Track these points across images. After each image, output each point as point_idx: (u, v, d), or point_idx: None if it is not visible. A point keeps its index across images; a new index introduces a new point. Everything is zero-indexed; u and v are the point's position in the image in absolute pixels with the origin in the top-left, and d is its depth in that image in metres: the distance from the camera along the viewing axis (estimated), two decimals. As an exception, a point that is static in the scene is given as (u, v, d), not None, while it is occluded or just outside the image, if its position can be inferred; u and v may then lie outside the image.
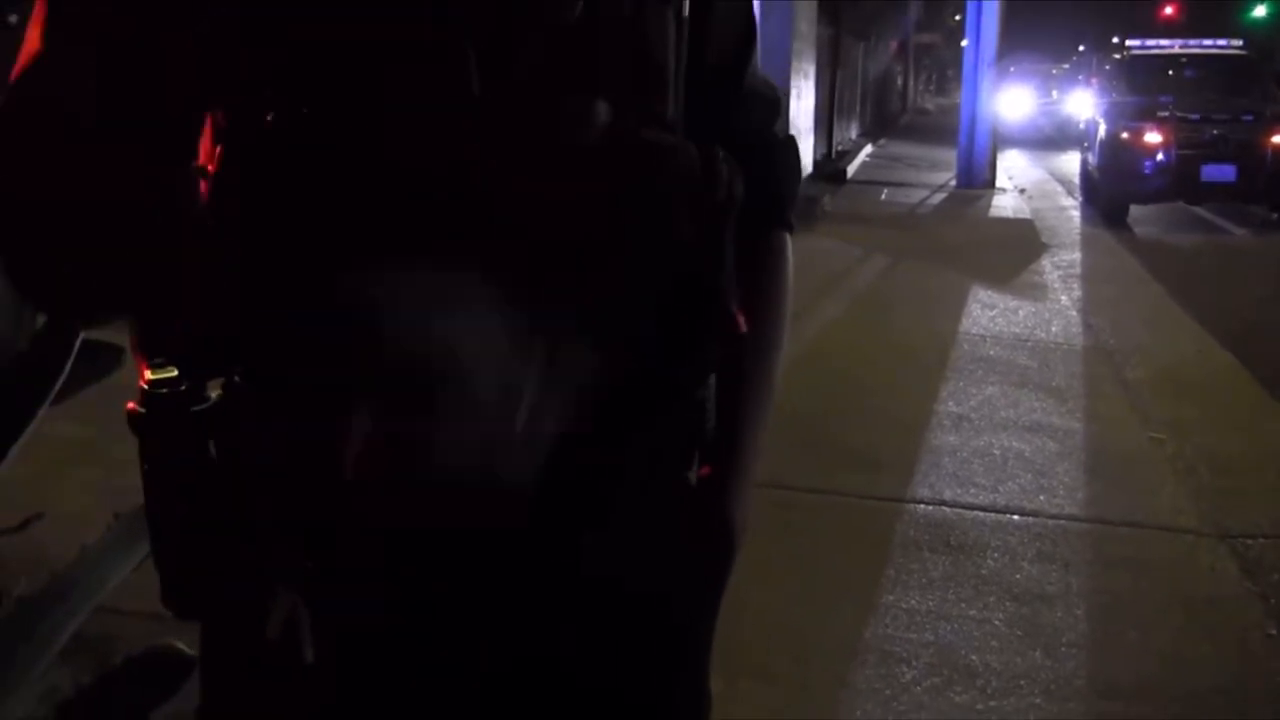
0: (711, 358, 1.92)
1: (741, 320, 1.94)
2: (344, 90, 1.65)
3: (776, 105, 2.09)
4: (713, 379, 1.96)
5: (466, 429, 1.68)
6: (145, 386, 1.70)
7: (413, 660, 1.79)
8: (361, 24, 1.64)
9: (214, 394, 1.74)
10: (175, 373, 1.71)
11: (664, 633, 1.92)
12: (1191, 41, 26.95)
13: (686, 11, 1.82)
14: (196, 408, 1.71)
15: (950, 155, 28.51)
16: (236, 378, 1.74)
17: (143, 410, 1.71)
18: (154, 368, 1.72)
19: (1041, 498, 7.35)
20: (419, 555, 1.75)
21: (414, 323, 1.64)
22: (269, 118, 1.66)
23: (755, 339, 2.02)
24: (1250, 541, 6.73)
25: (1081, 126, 28.15)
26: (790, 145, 2.13)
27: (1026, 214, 22.43)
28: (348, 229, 1.65)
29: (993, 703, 4.98)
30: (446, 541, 1.75)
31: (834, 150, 30.60)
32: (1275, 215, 21.29)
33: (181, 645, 2.93)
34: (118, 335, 1.80)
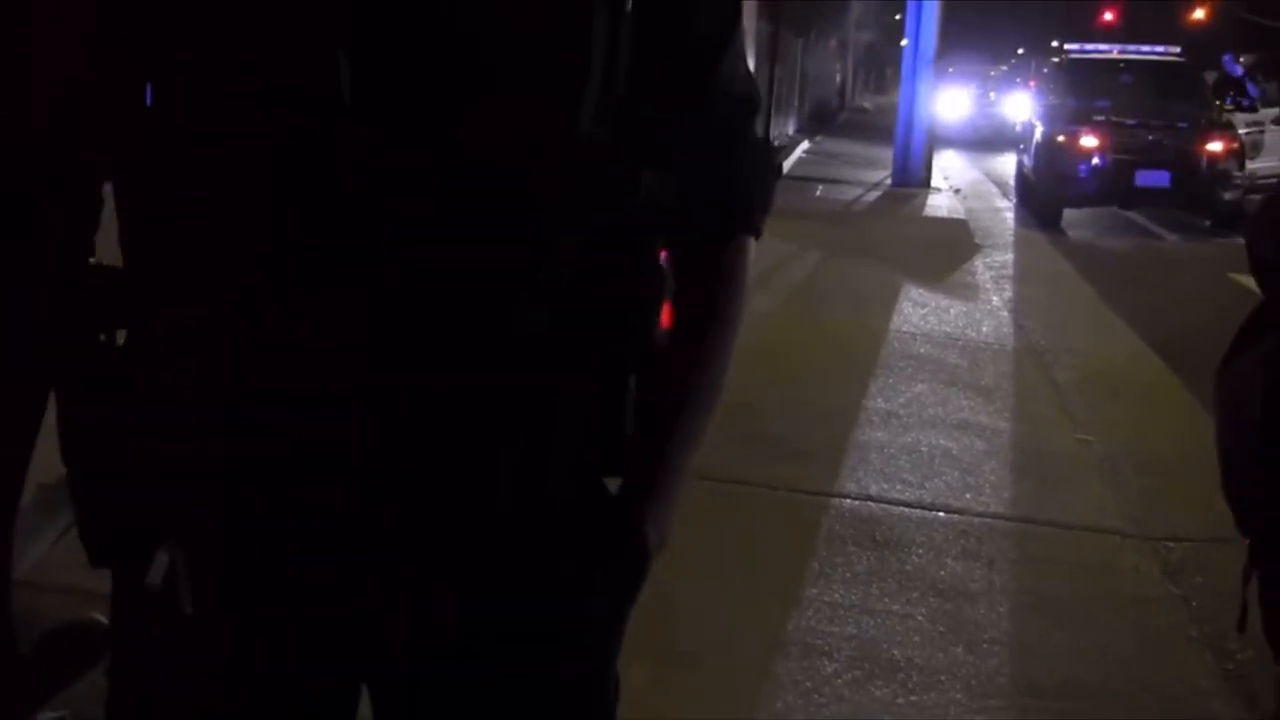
0: (617, 357, 1.88)
1: (660, 327, 1.90)
2: (210, 97, 1.66)
3: (752, 104, 2.00)
4: (631, 383, 1.92)
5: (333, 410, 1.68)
6: None
7: (295, 630, 1.78)
8: (229, 26, 1.65)
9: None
10: None
11: (563, 637, 1.88)
12: (1129, 47, 27.10)
13: (629, 7, 1.78)
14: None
15: (887, 154, 28.61)
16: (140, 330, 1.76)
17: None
18: None
19: (968, 495, 7.37)
20: (289, 532, 1.74)
21: (285, 315, 1.65)
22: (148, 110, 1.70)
23: (697, 345, 1.97)
24: (1174, 544, 6.76)
25: (1018, 129, 28.28)
26: (761, 147, 2.03)
27: (961, 214, 22.53)
28: (214, 243, 1.68)
29: (913, 697, 4.99)
30: (322, 513, 1.74)
31: (770, 145, 30.60)
32: (1208, 222, 21.43)
33: (100, 618, 2.91)
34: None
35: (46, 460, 1.79)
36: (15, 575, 2.98)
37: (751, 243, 2.01)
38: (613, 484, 1.94)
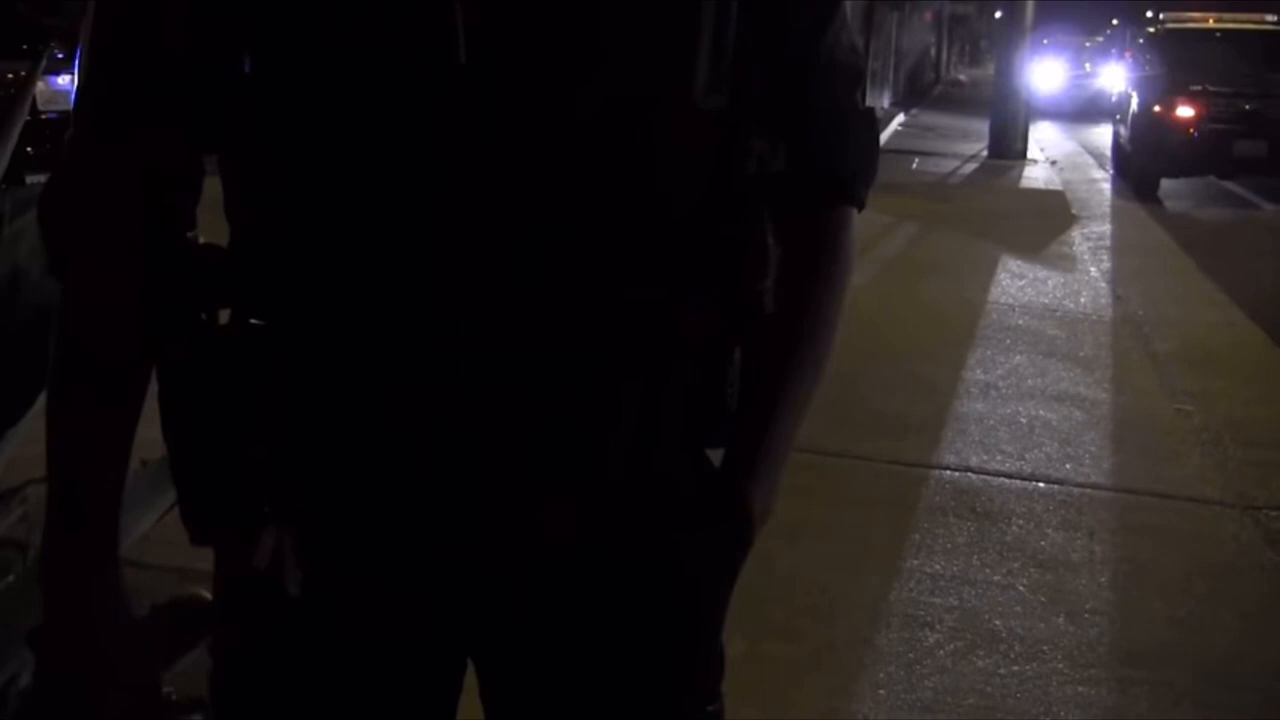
0: (727, 326, 1.88)
1: (768, 298, 1.90)
2: (323, 58, 1.68)
3: (857, 75, 1.98)
4: (736, 355, 1.93)
5: (458, 361, 1.71)
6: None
7: (397, 613, 1.80)
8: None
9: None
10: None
11: (668, 609, 1.89)
12: (1226, 16, 26.81)
13: None
14: (202, 334, 1.76)
15: (982, 126, 28.42)
16: (246, 308, 1.77)
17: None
18: None
19: (1067, 466, 7.35)
20: (407, 510, 1.76)
21: (398, 287, 1.68)
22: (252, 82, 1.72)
23: (803, 317, 1.96)
24: (1274, 513, 6.73)
25: (1114, 100, 28.03)
26: (867, 118, 2.02)
27: (1057, 185, 22.38)
28: (329, 198, 1.69)
29: (1015, 668, 4.99)
30: (436, 494, 1.75)
31: (874, 116, 30.42)
32: (1307, 191, 21.22)
33: (205, 594, 2.94)
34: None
35: (148, 437, 1.81)
36: (120, 553, 3.02)
37: (855, 214, 2.01)
38: (715, 456, 1.95)
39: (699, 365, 1.86)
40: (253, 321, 1.76)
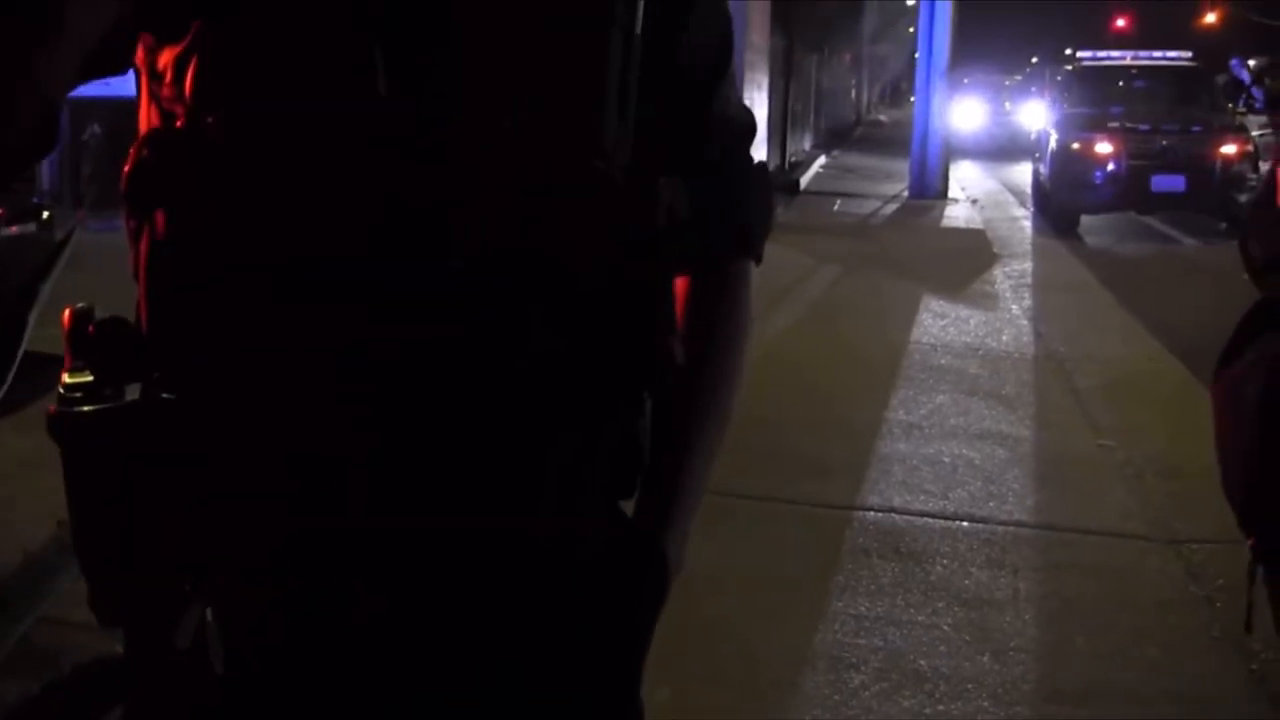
0: (637, 380, 1.89)
1: (677, 349, 1.90)
2: (245, 82, 1.68)
3: (748, 131, 2.02)
4: (648, 407, 1.93)
5: (374, 438, 1.70)
6: (61, 389, 1.72)
7: (321, 680, 1.79)
8: (269, 15, 1.67)
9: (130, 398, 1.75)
10: (91, 377, 1.72)
11: (587, 661, 1.89)
12: (1142, 53, 27.07)
13: (638, 29, 1.79)
14: (106, 409, 1.72)
15: (903, 166, 28.60)
16: (154, 384, 1.74)
17: (58, 413, 1.71)
18: (72, 371, 1.73)
19: (991, 504, 7.39)
20: (326, 582, 1.75)
21: (321, 324, 1.67)
22: (179, 111, 1.70)
23: (707, 368, 1.98)
24: (1196, 547, 6.77)
25: (1033, 137, 28.24)
26: (760, 172, 2.05)
27: (979, 224, 22.53)
28: (254, 229, 1.68)
29: (940, 707, 5.01)
30: (357, 564, 1.75)
31: (787, 161, 30.63)
32: (1224, 225, 21.37)
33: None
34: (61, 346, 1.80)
35: (63, 498, 1.79)
36: (38, 612, 3.00)
37: (752, 267, 2.03)
38: (625, 505, 1.95)
39: (617, 421, 1.86)
40: (164, 396, 1.74)
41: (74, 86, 1.66)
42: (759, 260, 2.03)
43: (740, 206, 1.99)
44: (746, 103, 2.09)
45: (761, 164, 2.06)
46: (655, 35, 1.82)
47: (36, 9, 1.59)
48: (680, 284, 1.97)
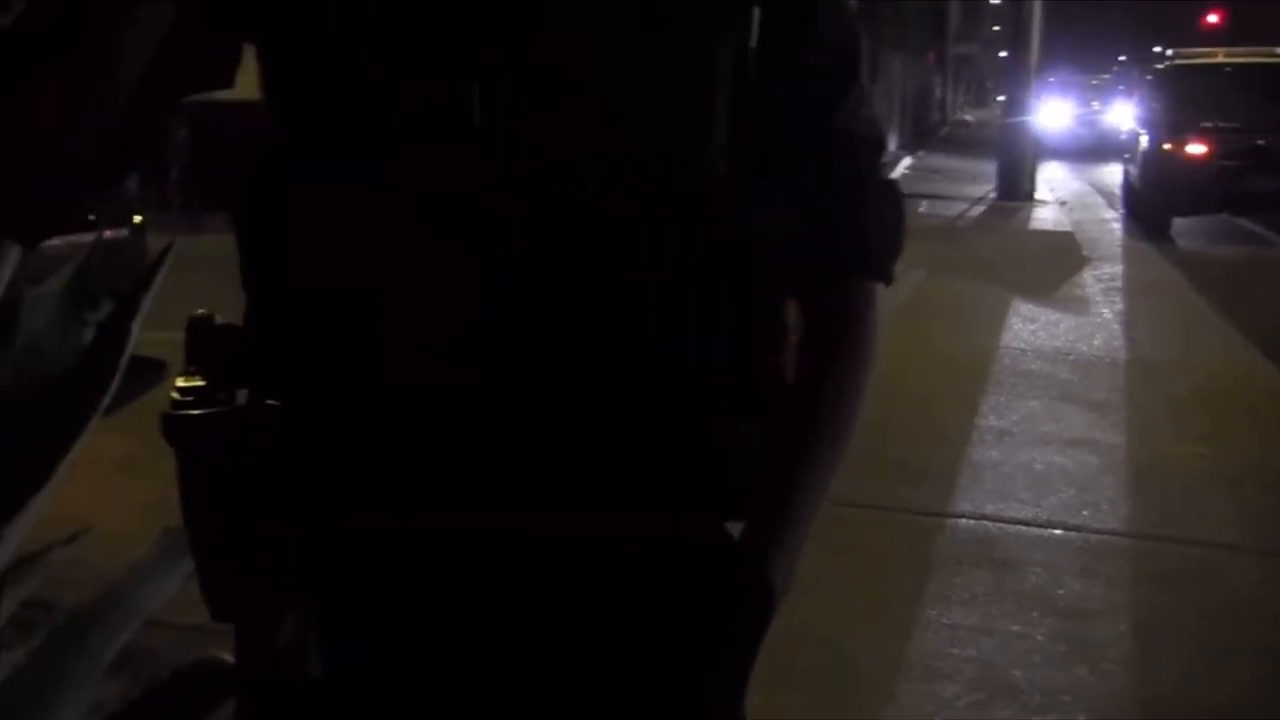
0: (742, 398, 1.87)
1: (787, 367, 1.89)
2: (347, 119, 1.68)
3: (878, 147, 1.99)
4: (756, 426, 1.91)
5: (473, 447, 1.70)
6: (175, 393, 1.75)
7: (410, 684, 1.79)
8: (365, 52, 1.68)
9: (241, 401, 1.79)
10: (203, 382, 1.76)
11: (690, 682, 1.88)
12: (1235, 50, 26.81)
13: (754, 41, 1.79)
14: (218, 413, 1.75)
15: (990, 168, 28.44)
16: (262, 388, 1.77)
17: (168, 415, 1.76)
18: (185, 375, 1.76)
19: (1084, 513, 7.34)
20: (429, 587, 1.75)
21: (426, 346, 1.68)
22: (281, 143, 1.72)
23: (822, 389, 1.94)
24: (1295, 558, 6.71)
25: (1123, 137, 28.05)
26: (889, 190, 2.01)
27: (1067, 226, 22.40)
28: (359, 256, 1.69)
29: (1035, 718, 4.96)
30: (455, 568, 1.75)
31: (897, 187, 30.48)
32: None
33: (227, 657, 2.94)
34: (163, 350, 1.82)
35: (174, 501, 1.81)
36: (146, 614, 3.02)
37: (879, 288, 1.99)
38: (734, 527, 1.94)
39: (720, 438, 1.85)
40: (270, 402, 1.76)
41: (152, 104, 1.68)
42: (888, 281, 1.99)
43: (857, 223, 1.95)
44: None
45: (891, 182, 2.03)
46: (773, 47, 1.80)
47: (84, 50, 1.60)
48: (800, 303, 1.95)
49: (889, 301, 1.99)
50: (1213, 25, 67.48)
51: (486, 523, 1.73)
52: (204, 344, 1.80)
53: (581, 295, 1.71)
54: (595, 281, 1.71)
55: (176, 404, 1.77)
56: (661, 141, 1.74)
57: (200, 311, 1.83)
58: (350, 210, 1.70)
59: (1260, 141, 21.15)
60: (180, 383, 1.78)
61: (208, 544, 1.79)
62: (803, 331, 1.93)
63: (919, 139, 46.96)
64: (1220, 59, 25.64)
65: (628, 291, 1.73)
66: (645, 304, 1.75)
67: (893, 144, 39.42)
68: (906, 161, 35.35)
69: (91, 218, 10.98)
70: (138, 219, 11.64)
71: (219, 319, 1.83)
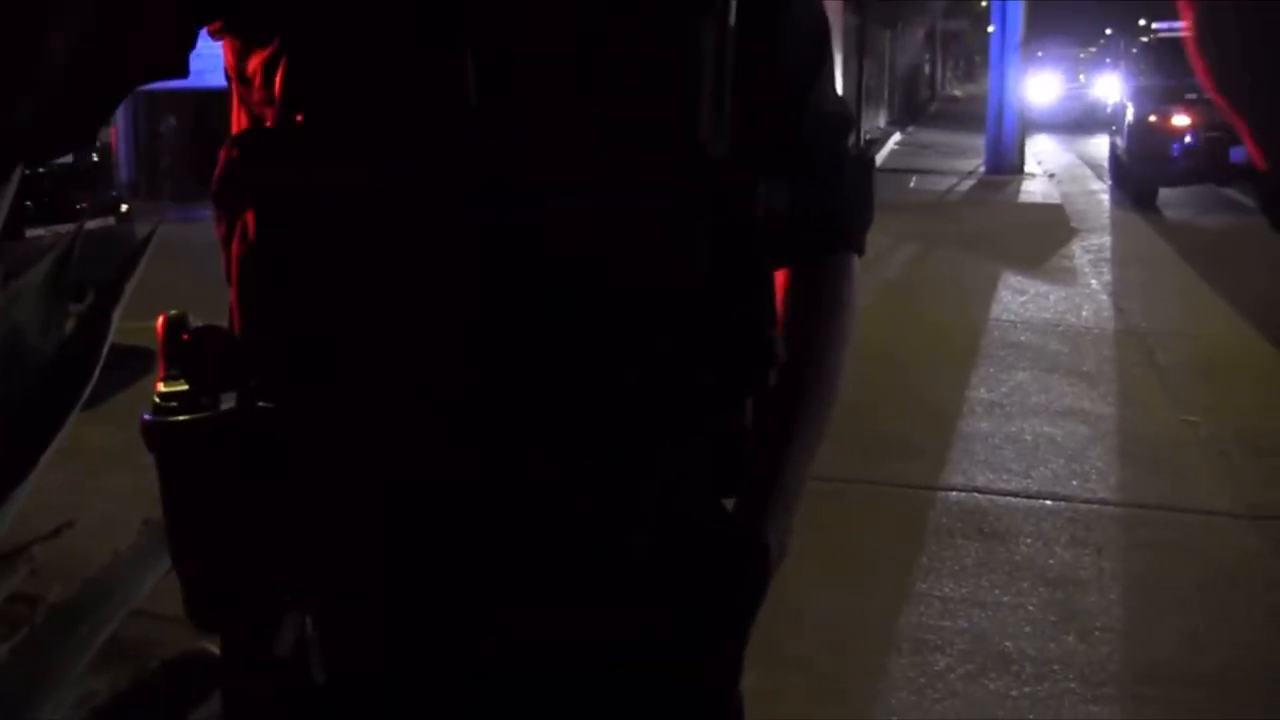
0: (741, 378, 1.89)
1: (779, 345, 1.90)
2: (339, 97, 1.67)
3: (845, 124, 2.03)
4: (749, 404, 1.92)
5: (475, 441, 1.69)
6: (156, 399, 1.71)
7: (419, 691, 1.79)
8: (358, 30, 1.67)
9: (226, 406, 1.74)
10: (185, 386, 1.72)
11: (690, 653, 1.89)
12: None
13: (733, 20, 1.80)
14: (201, 419, 1.71)
15: (979, 141, 28.47)
16: (251, 392, 1.74)
17: (153, 422, 1.71)
18: (167, 380, 1.73)
19: (1074, 483, 7.35)
20: (428, 585, 1.75)
21: (423, 331, 1.67)
22: (270, 119, 1.70)
23: (807, 362, 1.97)
24: (1283, 523, 6.72)
25: (1109, 110, 28.03)
26: (859, 164, 2.05)
27: (1056, 198, 22.40)
28: (350, 239, 1.68)
29: (1027, 689, 4.98)
30: (456, 566, 1.75)
31: (862, 139, 30.56)
32: (1306, 195, 21.15)
33: (215, 649, 2.94)
34: (148, 339, 1.80)
35: (155, 496, 1.79)
36: (132, 606, 3.02)
37: (855, 260, 2.03)
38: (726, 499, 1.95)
39: (718, 419, 1.86)
40: (261, 404, 1.74)
41: (94, 85, 1.66)
42: (861, 252, 2.03)
43: (837, 199, 1.99)
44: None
45: (860, 156, 2.07)
46: (750, 29, 1.82)
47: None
48: (780, 278, 1.96)
49: (879, 277, 2.02)
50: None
51: (489, 518, 1.73)
52: (183, 345, 1.77)
53: (589, 281, 1.71)
54: (601, 267, 1.71)
55: (159, 409, 1.74)
56: (654, 123, 1.74)
57: (174, 312, 1.79)
58: (337, 202, 1.69)
59: (1245, 111, 21.15)
60: (162, 387, 1.74)
61: (193, 555, 1.77)
62: (784, 306, 1.95)
63: (909, 114, 46.91)
64: (1205, 30, 25.60)
65: (633, 276, 1.73)
66: (652, 289, 1.75)
67: (883, 120, 39.42)
68: (896, 137, 35.35)
69: (80, 206, 11.01)
70: (125, 208, 11.63)
71: (194, 319, 1.80)
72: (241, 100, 1.78)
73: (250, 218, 1.73)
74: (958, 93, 73.67)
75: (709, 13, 1.78)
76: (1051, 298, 12.85)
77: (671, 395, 1.76)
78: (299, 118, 1.68)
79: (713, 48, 1.78)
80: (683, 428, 1.80)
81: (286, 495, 1.71)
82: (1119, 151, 24.19)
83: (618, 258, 1.71)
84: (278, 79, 1.69)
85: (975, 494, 7.16)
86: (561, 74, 1.69)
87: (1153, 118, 21.79)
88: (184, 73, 1.72)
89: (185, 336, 1.74)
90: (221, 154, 1.75)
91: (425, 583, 1.74)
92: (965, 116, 44.02)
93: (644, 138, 1.73)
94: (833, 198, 1.99)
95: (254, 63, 1.73)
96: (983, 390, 9.29)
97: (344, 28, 1.68)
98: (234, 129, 1.79)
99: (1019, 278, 13.89)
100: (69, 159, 10.94)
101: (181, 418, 1.71)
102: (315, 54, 1.69)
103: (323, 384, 1.70)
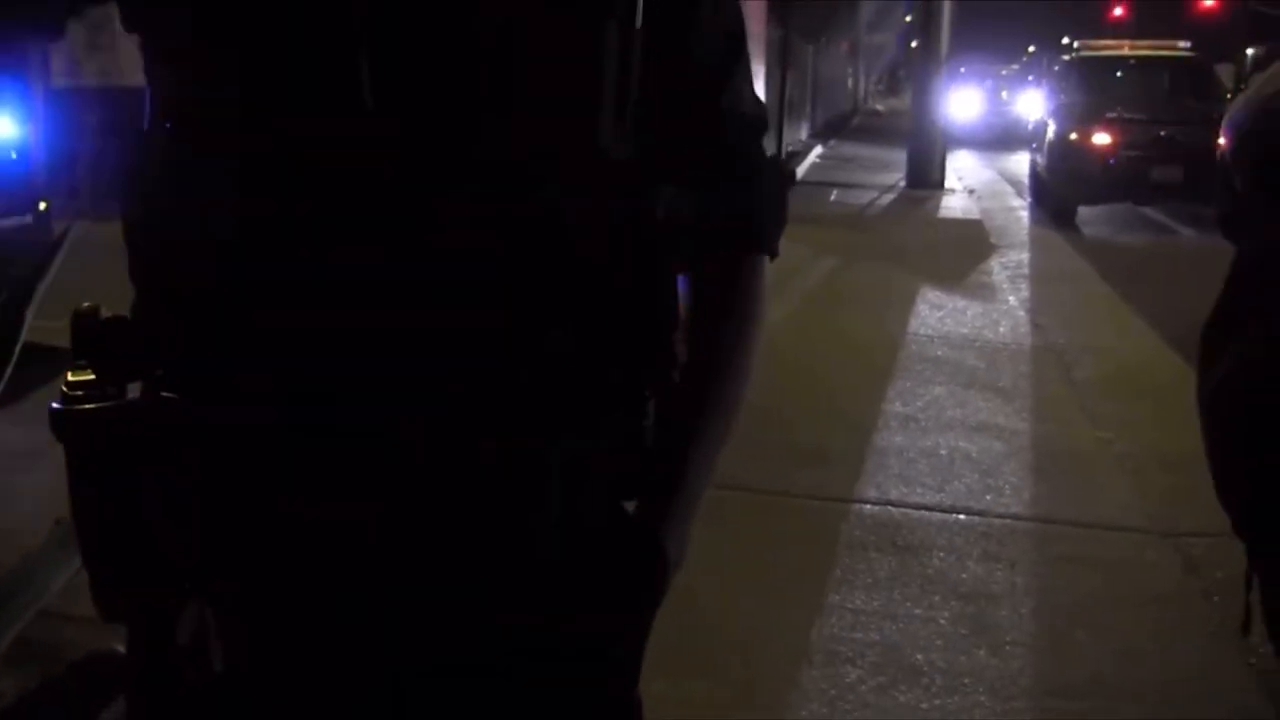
0: (642, 378, 1.89)
1: (680, 346, 1.91)
2: (231, 96, 1.67)
3: (759, 126, 2.02)
4: (650, 405, 1.92)
5: (374, 431, 1.70)
6: (64, 388, 1.72)
7: (315, 684, 1.79)
8: (251, 32, 1.67)
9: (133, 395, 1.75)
10: (92, 376, 1.73)
11: (588, 655, 1.89)
12: (1140, 43, 27.02)
13: (639, 22, 1.80)
14: (107, 407, 1.72)
15: (901, 156, 28.52)
16: (156, 381, 1.74)
17: (61, 411, 1.72)
18: (75, 369, 1.73)
19: (988, 497, 7.38)
20: (325, 576, 1.75)
21: (318, 333, 1.67)
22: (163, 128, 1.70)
23: (712, 363, 1.98)
24: (1195, 540, 6.73)
25: (1031, 127, 28.21)
26: (771, 166, 2.05)
27: (975, 214, 22.49)
28: (243, 233, 1.68)
29: (937, 701, 5.00)
30: (355, 559, 1.74)
31: (784, 152, 30.59)
32: (1222, 215, 21.30)
33: (123, 649, 2.92)
34: (64, 339, 1.80)
35: (64, 495, 1.78)
36: (40, 606, 3.00)
37: (766, 262, 2.03)
38: (627, 502, 1.95)
39: (619, 420, 1.86)
40: (164, 394, 1.74)
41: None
42: (773, 255, 2.03)
43: (750, 199, 1.99)
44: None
45: (774, 158, 2.07)
46: (659, 30, 1.82)
47: None
48: (690, 279, 1.97)
49: (799, 289, 2.02)
50: (1118, 18, 67.85)
51: (387, 506, 1.73)
52: (91, 337, 1.78)
53: (486, 284, 1.71)
54: (499, 269, 1.71)
55: (66, 398, 1.75)
56: (552, 125, 1.74)
57: (86, 304, 1.80)
58: (237, 193, 1.69)
59: (1163, 132, 21.35)
60: (70, 377, 1.75)
61: (100, 543, 1.77)
62: (692, 308, 1.95)
63: (831, 128, 47.02)
64: (1126, 51, 25.85)
65: (531, 277, 1.74)
66: (550, 289, 1.75)
67: (804, 133, 39.48)
68: (818, 150, 35.41)
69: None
70: (43, 205, 11.51)
71: (105, 311, 1.81)
72: (150, 99, 1.78)
73: (145, 218, 1.74)
74: (880, 107, 73.91)
75: (613, 14, 1.78)
76: (969, 313, 12.90)
77: (571, 394, 1.77)
78: (169, 124, 1.69)
79: (616, 49, 1.78)
80: (583, 427, 1.80)
81: (188, 483, 1.72)
82: (1039, 169, 24.35)
83: (515, 257, 1.71)
84: (163, 83, 1.71)
85: (889, 507, 7.17)
86: (458, 76, 1.69)
87: (1073, 135, 21.97)
88: (60, 35, 1.73)
89: (94, 328, 1.75)
90: (126, 154, 1.76)
91: (323, 574, 1.74)
92: (887, 131, 44.14)
93: (542, 139, 1.73)
94: (746, 198, 1.99)
95: (155, 64, 1.74)
96: (899, 404, 9.32)
97: (253, 43, 1.68)
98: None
99: (937, 293, 13.93)
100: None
101: (88, 406, 1.72)
102: (190, 54, 1.70)
103: (220, 362, 1.71)
